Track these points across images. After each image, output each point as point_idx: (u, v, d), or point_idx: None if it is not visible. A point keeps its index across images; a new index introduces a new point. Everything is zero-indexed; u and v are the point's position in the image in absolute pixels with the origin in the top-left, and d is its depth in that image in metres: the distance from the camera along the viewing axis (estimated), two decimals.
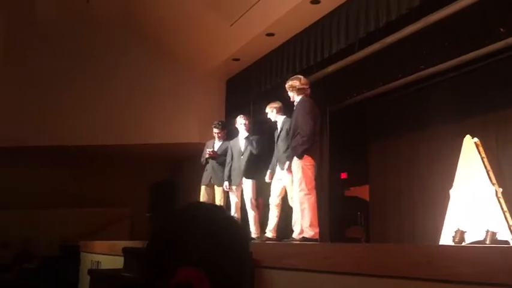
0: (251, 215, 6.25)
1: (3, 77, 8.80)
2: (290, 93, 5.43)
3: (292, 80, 5.46)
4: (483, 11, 5.55)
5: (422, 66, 6.79)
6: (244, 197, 6.36)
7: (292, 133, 5.23)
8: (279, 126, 5.80)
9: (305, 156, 5.05)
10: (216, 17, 7.46)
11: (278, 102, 5.93)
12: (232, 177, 6.39)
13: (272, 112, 5.89)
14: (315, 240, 4.99)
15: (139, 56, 9.26)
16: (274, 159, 5.84)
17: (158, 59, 9.29)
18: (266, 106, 6.03)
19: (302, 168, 5.03)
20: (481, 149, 6.17)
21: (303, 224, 5.02)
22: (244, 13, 6.96)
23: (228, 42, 7.90)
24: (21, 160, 9.71)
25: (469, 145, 6.25)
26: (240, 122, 6.54)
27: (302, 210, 5.02)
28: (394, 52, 6.69)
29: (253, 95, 8.39)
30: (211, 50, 8.44)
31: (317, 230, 5.07)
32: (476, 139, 6.25)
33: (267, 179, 5.92)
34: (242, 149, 6.43)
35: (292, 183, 5.32)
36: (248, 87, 8.51)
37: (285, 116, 5.84)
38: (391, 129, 8.44)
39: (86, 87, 9.08)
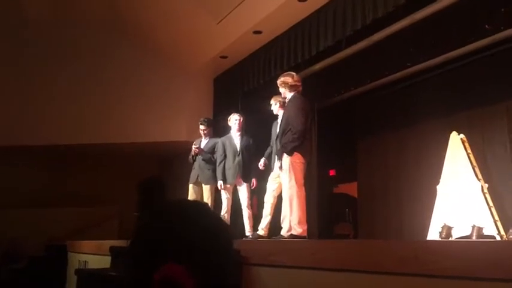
0: (246, 213, 6.25)
1: None
2: (281, 90, 5.37)
3: (284, 76, 5.41)
4: (469, 8, 5.59)
5: (409, 64, 6.83)
6: (240, 197, 6.35)
7: (282, 130, 5.20)
8: (279, 120, 5.68)
9: (295, 153, 5.03)
10: (203, 15, 7.43)
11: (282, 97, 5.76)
12: (227, 176, 6.36)
13: (276, 105, 5.78)
14: (303, 237, 4.99)
15: (127, 54, 9.21)
16: (269, 149, 5.82)
17: (145, 57, 9.24)
18: (271, 98, 5.90)
19: (292, 165, 5.01)
20: (467, 145, 6.23)
21: (292, 221, 5.01)
22: (232, 11, 6.95)
23: (216, 40, 7.88)
24: (7, 159, 9.60)
25: (456, 141, 6.31)
26: (235, 119, 6.53)
27: (291, 207, 5.02)
28: (381, 49, 6.73)
29: (241, 92, 8.39)
30: (198, 48, 8.41)
31: (305, 227, 5.07)
32: (462, 135, 6.31)
33: (260, 165, 5.91)
34: (238, 148, 6.42)
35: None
36: (236, 85, 8.50)
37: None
38: (378, 126, 8.49)
39: (73, 86, 9.01)
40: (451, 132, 6.41)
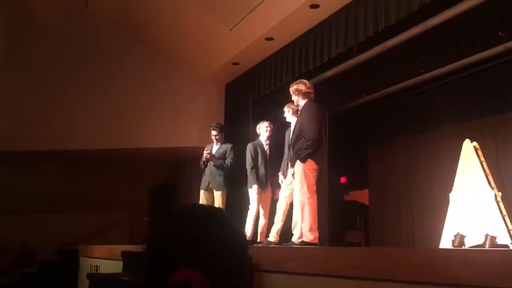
0: (263, 221, 6.23)
1: (3, 79, 8.83)
2: (294, 97, 5.35)
3: (297, 83, 5.39)
4: (482, 16, 5.57)
5: (422, 71, 6.81)
6: (263, 204, 6.33)
7: (296, 137, 5.19)
8: (292, 127, 5.70)
9: (308, 160, 5.02)
10: (215, 21, 7.47)
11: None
12: (262, 182, 6.33)
13: (288, 112, 5.81)
14: (315, 244, 4.97)
15: (139, 60, 9.28)
16: (284, 161, 5.81)
17: (157, 63, 9.30)
18: (284, 106, 5.92)
19: (304, 171, 5.00)
20: (480, 152, 6.17)
21: (303, 228, 5.00)
22: (244, 17, 6.98)
23: (228, 47, 7.91)
24: (19, 164, 9.70)
25: (469, 149, 6.25)
26: (265, 126, 6.52)
27: (302, 214, 5.00)
28: (393, 56, 6.71)
29: (253, 99, 8.40)
30: (210, 54, 8.45)
31: (317, 234, 5.05)
32: (475, 143, 6.25)
33: (280, 181, 5.89)
34: (267, 155, 6.43)
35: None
36: (247, 92, 8.52)
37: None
38: (390, 133, 8.46)
39: (85, 91, 9.09)
40: (463, 140, 6.36)
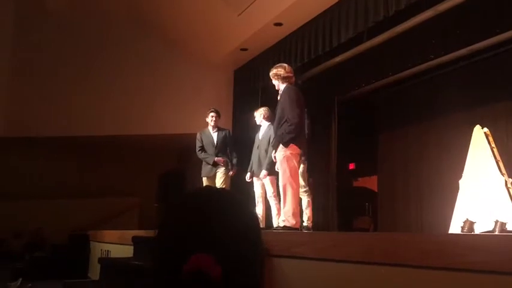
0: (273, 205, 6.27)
1: (14, 67, 8.87)
2: (275, 82, 5.23)
3: (276, 68, 5.26)
4: (494, 0, 5.49)
5: (432, 56, 6.74)
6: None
7: (278, 121, 5.05)
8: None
9: (291, 144, 4.91)
10: (224, 7, 7.43)
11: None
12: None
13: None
14: (296, 229, 4.90)
15: (148, 46, 9.26)
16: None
17: (166, 50, 9.29)
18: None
19: (287, 156, 4.90)
20: (490, 139, 6.12)
21: (285, 213, 4.91)
22: (252, 3, 6.94)
23: (236, 32, 7.88)
24: (31, 151, 9.77)
25: (479, 135, 6.20)
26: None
27: (284, 199, 4.93)
28: (403, 41, 6.65)
29: (262, 84, 8.37)
30: (219, 40, 8.42)
31: (298, 219, 5.02)
32: (486, 129, 6.20)
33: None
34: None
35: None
36: (256, 77, 8.50)
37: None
38: (399, 119, 8.41)
39: (96, 78, 9.11)
40: (474, 126, 6.31)
